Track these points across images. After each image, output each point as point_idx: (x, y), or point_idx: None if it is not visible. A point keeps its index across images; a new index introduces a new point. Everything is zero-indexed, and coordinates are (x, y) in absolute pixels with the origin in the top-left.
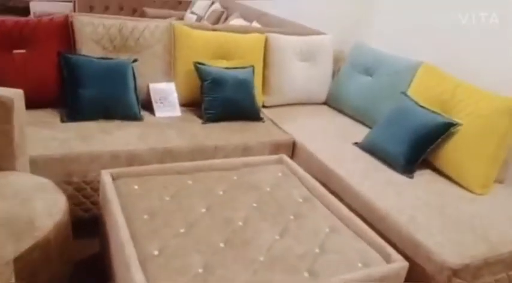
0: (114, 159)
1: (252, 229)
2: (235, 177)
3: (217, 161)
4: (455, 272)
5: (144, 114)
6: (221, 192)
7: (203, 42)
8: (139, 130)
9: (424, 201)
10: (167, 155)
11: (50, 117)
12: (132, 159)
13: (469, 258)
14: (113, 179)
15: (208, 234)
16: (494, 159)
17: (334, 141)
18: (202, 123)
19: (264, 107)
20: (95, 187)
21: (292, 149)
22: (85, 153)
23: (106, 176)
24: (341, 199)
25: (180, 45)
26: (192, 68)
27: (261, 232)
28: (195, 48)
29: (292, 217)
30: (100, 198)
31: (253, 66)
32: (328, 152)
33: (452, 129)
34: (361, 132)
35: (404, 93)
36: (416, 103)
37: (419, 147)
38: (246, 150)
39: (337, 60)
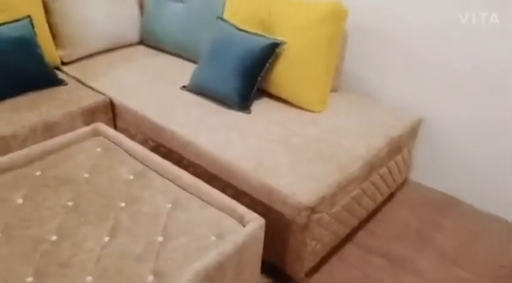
0: None
1: (70, 241)
2: (38, 173)
3: (6, 158)
4: (313, 209)
5: None
6: (20, 201)
7: None
8: None
9: (267, 137)
10: None
11: None
12: None
13: (323, 190)
14: None
15: (9, 270)
16: (326, 71)
17: (159, 90)
18: None
19: (63, 64)
20: None
21: (113, 111)
22: None
23: None
24: (183, 159)
25: None
26: None
27: (84, 240)
28: None
29: (123, 204)
30: None
31: (29, 17)
32: (155, 105)
33: (277, 50)
34: (187, 72)
35: (220, 18)
36: (235, 27)
37: (249, 78)
38: (49, 130)
39: None
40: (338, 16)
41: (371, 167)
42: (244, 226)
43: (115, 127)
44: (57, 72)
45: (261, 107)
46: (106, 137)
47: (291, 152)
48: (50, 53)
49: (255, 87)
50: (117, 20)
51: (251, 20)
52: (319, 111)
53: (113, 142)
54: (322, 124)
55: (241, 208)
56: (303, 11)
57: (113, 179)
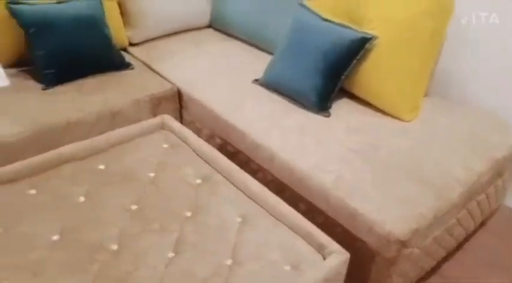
0: None
1: (131, 252)
2: (101, 166)
3: (70, 147)
4: (404, 243)
5: None
6: (82, 199)
7: None
8: None
9: (348, 146)
10: None
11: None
12: None
13: (418, 221)
14: None
15: (63, 281)
16: (423, 73)
17: (229, 81)
18: (44, 89)
19: (131, 45)
20: None
21: (179, 102)
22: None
23: None
24: (251, 162)
25: None
26: None
27: (147, 253)
28: None
29: (189, 214)
30: None
31: None
32: (223, 98)
33: (367, 45)
34: (259, 62)
35: (301, 5)
36: (319, 16)
37: (332, 76)
38: (115, 117)
39: None
40: (444, 9)
41: (471, 194)
42: (324, 258)
43: (181, 118)
44: (124, 53)
45: (342, 109)
46: (172, 130)
47: (377, 167)
48: (118, 33)
49: (337, 87)
50: (188, 1)
51: (337, 9)
52: (409, 120)
53: (180, 137)
54: (412, 135)
55: (321, 236)
56: (400, 1)
57: (178, 181)
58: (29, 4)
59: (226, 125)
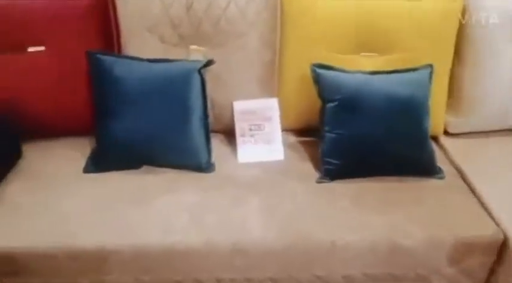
0: (136, 260)
1: None
2: None
3: None
4: None
5: (222, 156)
6: None
7: (336, 23)
8: (199, 196)
9: None
10: (238, 256)
11: (75, 158)
12: (174, 262)
13: None
14: None
15: None
16: None
17: None
18: (318, 182)
19: (446, 133)
20: None
21: (499, 255)
22: (86, 250)
23: None
24: None
25: (292, 31)
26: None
27: None
28: (319, 36)
29: None
30: None
31: (431, 67)
32: None
33: None
34: None
35: None
36: None
37: None
38: (394, 254)
39: None
40: None
41: None
42: None
43: (490, 275)
44: (434, 145)
45: None
46: None
47: None
48: (435, 117)
49: None
50: None
51: None
52: None
53: None
54: None
55: None
56: None
57: None
58: (338, 70)
59: None
